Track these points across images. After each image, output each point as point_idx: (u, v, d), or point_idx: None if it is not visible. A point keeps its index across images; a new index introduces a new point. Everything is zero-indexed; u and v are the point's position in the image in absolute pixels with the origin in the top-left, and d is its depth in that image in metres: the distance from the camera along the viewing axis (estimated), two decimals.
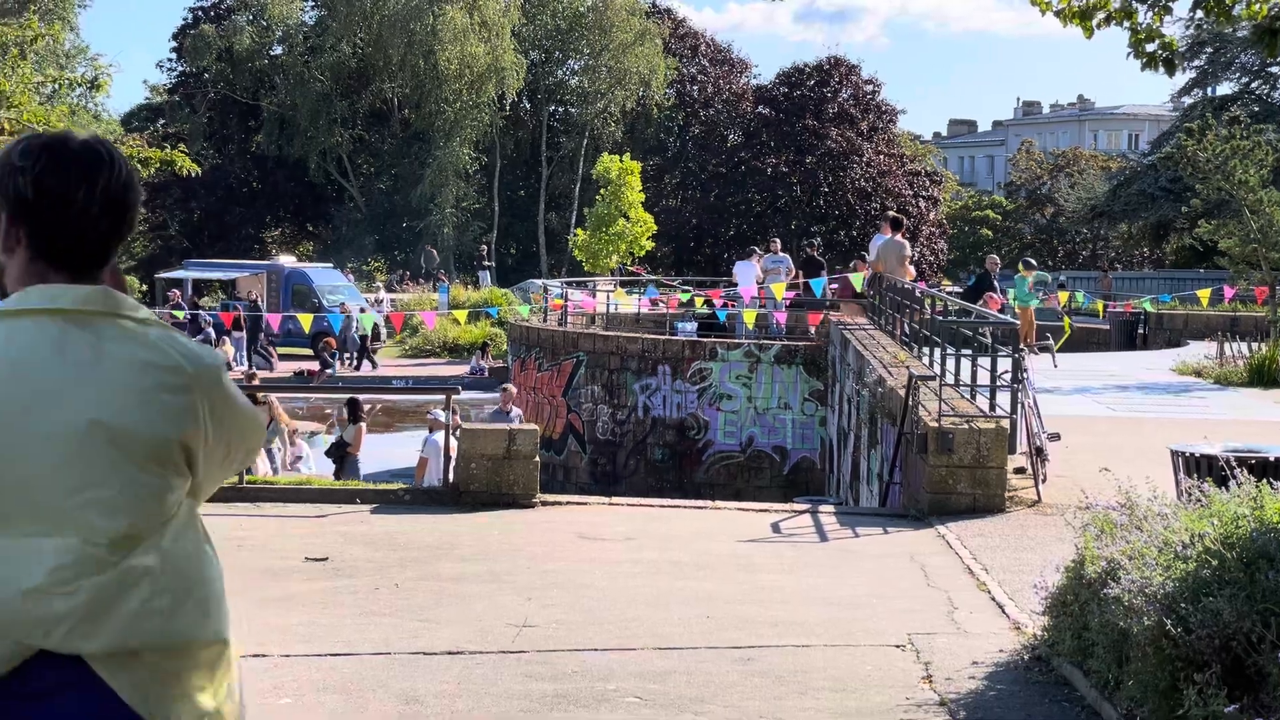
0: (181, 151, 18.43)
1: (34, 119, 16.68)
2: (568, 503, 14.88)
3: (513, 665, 8.51)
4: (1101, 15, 9.32)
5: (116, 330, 3.04)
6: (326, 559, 11.54)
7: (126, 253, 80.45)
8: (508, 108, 74.13)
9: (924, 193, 74.43)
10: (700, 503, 15.93)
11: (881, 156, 73.91)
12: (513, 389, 25.01)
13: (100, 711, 2.94)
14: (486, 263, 63.65)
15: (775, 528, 13.40)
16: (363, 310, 46.71)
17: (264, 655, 8.51)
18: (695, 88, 78.10)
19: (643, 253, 58.16)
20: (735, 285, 33.94)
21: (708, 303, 37.82)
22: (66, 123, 17.30)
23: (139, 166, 18.40)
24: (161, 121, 79.44)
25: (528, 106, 78.51)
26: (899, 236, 26.89)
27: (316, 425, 32.57)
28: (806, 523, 13.73)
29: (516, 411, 23.93)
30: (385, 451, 28.69)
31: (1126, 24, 9.39)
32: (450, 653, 8.75)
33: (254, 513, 13.63)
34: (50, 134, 3.11)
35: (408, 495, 14.77)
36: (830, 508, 16.01)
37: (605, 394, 31.13)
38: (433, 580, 10.79)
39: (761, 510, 14.60)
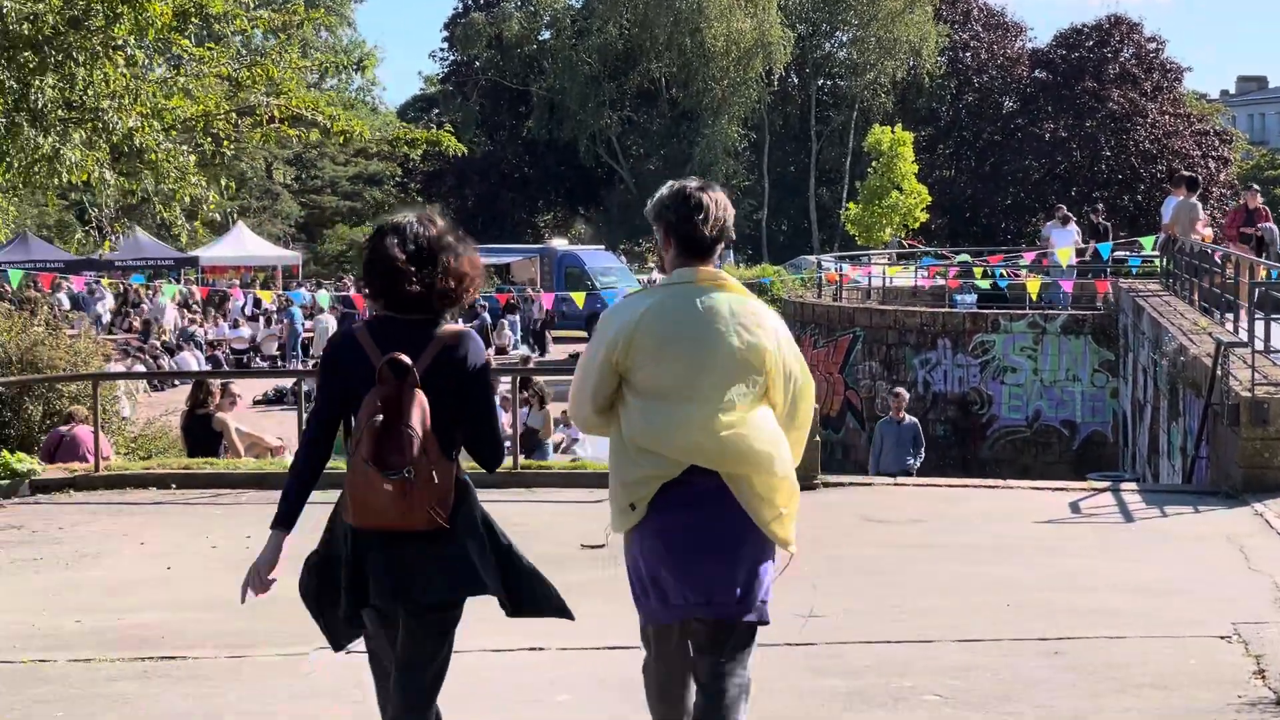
0: (448, 132, 18.37)
1: (301, 104, 16.74)
2: (850, 483, 14.25)
3: (800, 659, 7.96)
4: None
5: (723, 293, 5.32)
6: (603, 546, 11.10)
7: None
8: (775, 83, 73.51)
9: (1213, 153, 71.54)
10: (991, 481, 15.19)
11: (1167, 117, 71.24)
12: (904, 393, 21.66)
13: (720, 504, 5.26)
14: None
15: (1074, 507, 12.60)
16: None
17: (541, 649, 8.13)
18: (968, 54, 76.26)
19: (917, 225, 57.18)
20: (1049, 252, 32.45)
21: (987, 273, 36.64)
22: (336, 110, 17.37)
23: (407, 148, 18.46)
24: (435, 111, 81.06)
25: (795, 81, 77.79)
26: (1193, 198, 25.53)
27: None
28: (1108, 501, 12.88)
29: (910, 420, 20.54)
30: None
31: None
32: None
33: (528, 498, 13.33)
34: (682, 184, 5.38)
35: None
36: (1133, 485, 15.12)
37: (884, 370, 30.36)
38: None
39: (1058, 489, 13.77)
